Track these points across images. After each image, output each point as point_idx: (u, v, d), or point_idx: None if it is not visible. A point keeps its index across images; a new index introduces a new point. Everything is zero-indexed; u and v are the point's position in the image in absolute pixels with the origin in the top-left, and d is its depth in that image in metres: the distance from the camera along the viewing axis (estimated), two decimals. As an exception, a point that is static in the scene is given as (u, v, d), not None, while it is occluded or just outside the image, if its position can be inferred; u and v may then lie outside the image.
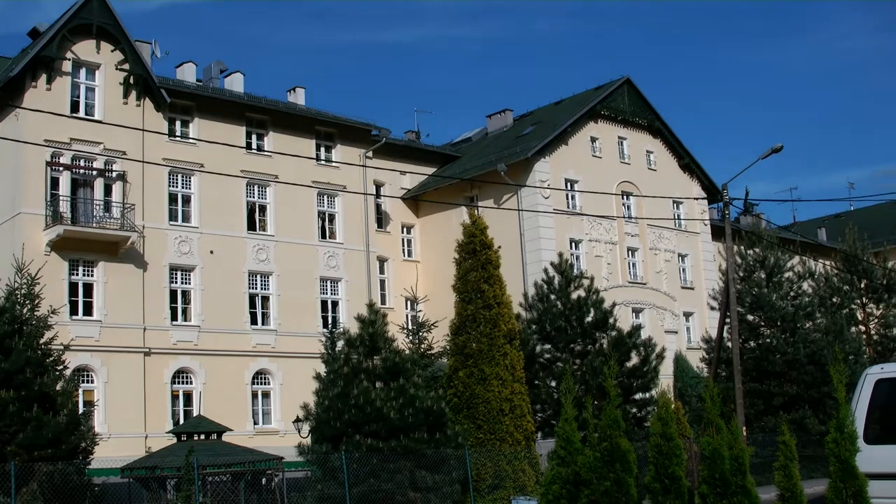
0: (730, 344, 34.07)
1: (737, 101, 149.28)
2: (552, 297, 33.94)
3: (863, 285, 47.68)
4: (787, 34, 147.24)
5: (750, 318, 39.64)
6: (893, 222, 70.72)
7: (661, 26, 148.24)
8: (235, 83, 47.02)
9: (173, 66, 47.15)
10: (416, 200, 50.81)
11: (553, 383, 32.65)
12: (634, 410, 33.04)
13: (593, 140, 50.46)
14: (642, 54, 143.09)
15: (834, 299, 45.70)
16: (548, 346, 33.54)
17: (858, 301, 47.53)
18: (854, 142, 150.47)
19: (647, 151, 53.10)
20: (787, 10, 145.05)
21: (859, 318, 47.17)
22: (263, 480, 25.55)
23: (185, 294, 40.72)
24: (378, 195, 49.51)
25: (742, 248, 41.39)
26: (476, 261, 27.69)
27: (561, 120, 49.58)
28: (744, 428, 29.64)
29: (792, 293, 40.60)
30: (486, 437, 26.13)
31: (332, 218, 46.39)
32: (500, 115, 56.50)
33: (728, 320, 33.42)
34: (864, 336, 45.98)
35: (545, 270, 35.11)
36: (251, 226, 43.33)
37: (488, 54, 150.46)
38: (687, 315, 52.97)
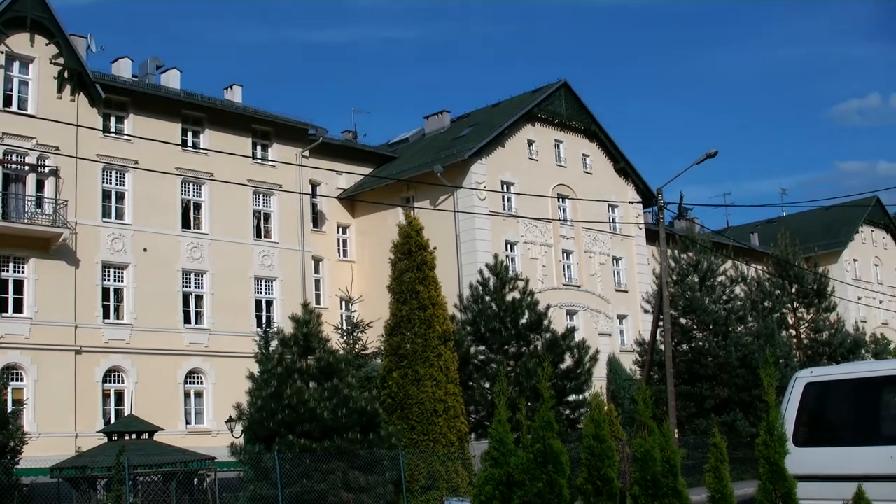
0: (663, 347, 34.33)
1: (673, 107, 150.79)
2: (487, 298, 33.92)
3: (794, 290, 48.28)
4: (722, 42, 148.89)
5: (683, 321, 39.99)
6: (824, 228, 71.88)
7: (598, 31, 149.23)
8: (172, 79, 46.58)
9: (109, 61, 46.54)
10: (352, 200, 50.65)
11: (487, 385, 32.65)
12: (568, 412, 33.18)
13: (530, 143, 50.62)
14: (580, 58, 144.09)
15: (765, 303, 46.30)
16: (482, 348, 33.54)
17: (789, 305, 48.14)
18: (786, 149, 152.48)
19: (584, 155, 53.34)
20: (721, 18, 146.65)
21: (790, 322, 47.78)
22: (195, 481, 25.28)
23: (118, 292, 40.29)
24: (314, 195, 49.32)
25: (676, 251, 41.74)
26: (411, 262, 27.62)
27: (498, 122, 49.67)
28: (675, 430, 29.89)
29: (724, 297, 41.00)
30: (420, 437, 26.08)
31: (267, 217, 46.18)
32: (437, 117, 56.45)
33: (661, 323, 33.66)
34: (795, 340, 46.59)
35: (480, 272, 35.08)
36: (186, 224, 42.98)
37: (426, 55, 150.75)
38: (621, 318, 53.31)
